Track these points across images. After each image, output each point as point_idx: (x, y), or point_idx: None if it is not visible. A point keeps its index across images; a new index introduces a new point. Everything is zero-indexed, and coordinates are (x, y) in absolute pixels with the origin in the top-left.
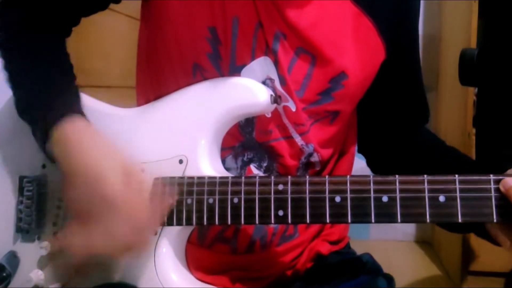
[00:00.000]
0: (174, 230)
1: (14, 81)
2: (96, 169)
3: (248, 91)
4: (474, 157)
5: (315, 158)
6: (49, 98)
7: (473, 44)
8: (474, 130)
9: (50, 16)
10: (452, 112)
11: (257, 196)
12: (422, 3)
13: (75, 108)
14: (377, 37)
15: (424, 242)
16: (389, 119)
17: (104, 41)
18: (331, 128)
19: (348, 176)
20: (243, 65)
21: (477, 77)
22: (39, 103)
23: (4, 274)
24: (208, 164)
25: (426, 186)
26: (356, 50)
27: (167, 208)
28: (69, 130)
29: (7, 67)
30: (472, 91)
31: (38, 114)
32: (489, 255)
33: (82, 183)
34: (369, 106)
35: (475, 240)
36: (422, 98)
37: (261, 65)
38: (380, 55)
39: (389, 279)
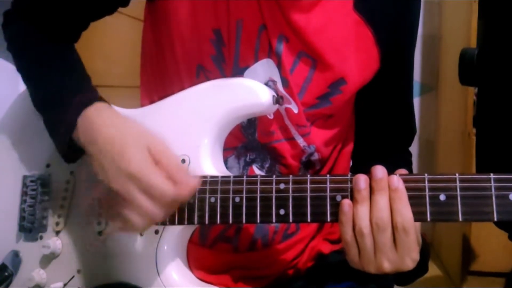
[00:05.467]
0: (175, 229)
1: (30, 81)
2: (121, 146)
3: (251, 91)
4: (474, 157)
5: (315, 157)
6: (68, 92)
7: (473, 44)
8: (474, 130)
9: (59, 22)
10: (452, 112)
11: (258, 195)
12: (422, 3)
13: (95, 95)
14: (374, 46)
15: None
16: (374, 130)
17: (107, 41)
18: (331, 129)
19: (349, 175)
20: (246, 67)
21: (477, 77)
22: (59, 98)
23: (6, 274)
24: (210, 164)
25: (426, 184)
26: (355, 57)
27: (189, 193)
28: (94, 115)
29: (21, 69)
30: (472, 91)
31: (60, 108)
32: (489, 255)
33: (110, 161)
34: (360, 112)
35: (475, 240)
36: (408, 116)
37: (264, 67)
38: (375, 64)
39: (389, 279)
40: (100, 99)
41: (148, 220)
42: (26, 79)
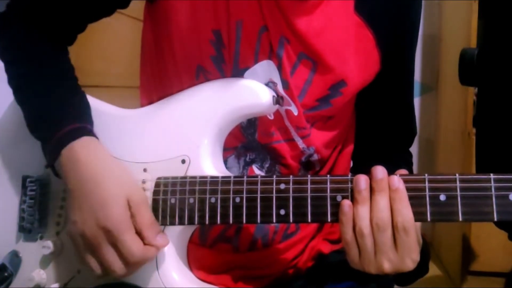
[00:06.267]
0: (176, 229)
1: (21, 99)
2: (101, 195)
3: (251, 91)
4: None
5: (314, 158)
6: (56, 117)
7: (473, 44)
8: (474, 130)
9: (57, 23)
10: (452, 112)
11: (259, 195)
12: (422, 3)
13: (84, 128)
14: (375, 48)
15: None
16: (374, 131)
17: (106, 41)
18: (331, 131)
19: (350, 175)
20: (246, 68)
21: (477, 77)
22: (47, 122)
23: (6, 274)
24: (210, 164)
25: (427, 184)
26: (356, 59)
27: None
28: (78, 151)
29: (13, 84)
30: (472, 91)
31: (46, 133)
32: (489, 255)
33: (88, 207)
34: (362, 113)
35: (475, 240)
36: (408, 117)
37: (264, 69)
38: (376, 65)
39: (389, 279)
40: (88, 131)
41: (108, 271)
42: (17, 93)
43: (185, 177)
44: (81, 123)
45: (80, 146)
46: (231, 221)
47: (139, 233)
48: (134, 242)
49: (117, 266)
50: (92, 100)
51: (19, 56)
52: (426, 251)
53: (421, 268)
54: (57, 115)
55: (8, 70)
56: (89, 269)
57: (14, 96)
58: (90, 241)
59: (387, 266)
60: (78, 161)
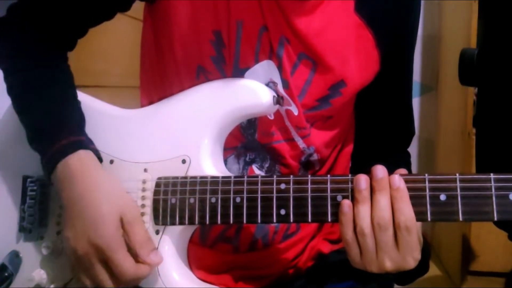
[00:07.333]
0: (176, 229)
1: (19, 110)
2: (94, 212)
3: (251, 92)
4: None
5: (314, 157)
6: (51, 131)
7: (473, 44)
8: (474, 130)
9: (57, 30)
10: (452, 112)
11: (259, 195)
12: (422, 3)
13: (80, 142)
14: (375, 48)
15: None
16: (373, 131)
17: (107, 41)
18: (331, 130)
19: (350, 175)
20: (247, 68)
21: (477, 77)
22: (42, 135)
23: (6, 274)
24: (210, 164)
25: (427, 184)
26: (356, 60)
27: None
28: (72, 167)
29: (11, 94)
30: (472, 91)
31: (42, 147)
32: (489, 255)
33: (80, 224)
34: (361, 113)
35: (475, 240)
36: (407, 117)
37: (265, 69)
38: (375, 66)
39: (389, 279)
40: (84, 145)
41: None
42: (16, 103)
43: (185, 177)
44: (76, 136)
45: (76, 160)
46: (231, 221)
47: (132, 251)
48: (125, 261)
49: (108, 284)
50: (92, 100)
51: (17, 65)
52: (427, 250)
53: (422, 267)
54: (52, 128)
55: (6, 78)
56: (82, 284)
57: (13, 107)
58: (82, 258)
59: (388, 265)
60: (72, 177)
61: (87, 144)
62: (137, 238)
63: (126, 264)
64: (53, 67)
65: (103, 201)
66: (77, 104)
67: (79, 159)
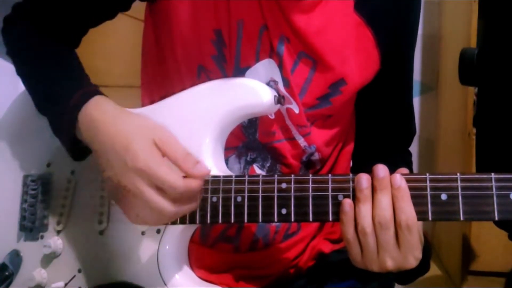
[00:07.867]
0: (177, 229)
1: (30, 82)
2: (125, 141)
3: (252, 91)
4: (474, 157)
5: (315, 157)
6: (65, 88)
7: (473, 44)
8: (474, 130)
9: (61, 28)
10: (452, 112)
11: (260, 195)
12: (422, 3)
13: (93, 90)
14: (375, 47)
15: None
16: (374, 130)
17: (108, 41)
18: (331, 129)
19: (351, 175)
20: (247, 67)
21: (477, 77)
22: (58, 96)
23: (7, 273)
24: (212, 164)
25: (428, 184)
26: (356, 58)
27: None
28: (94, 111)
29: (21, 71)
30: (472, 91)
31: (60, 106)
32: (489, 255)
33: (115, 157)
34: (361, 112)
35: (475, 240)
36: (408, 117)
37: (265, 67)
38: (375, 65)
39: (390, 278)
40: (99, 93)
41: (159, 215)
42: (26, 81)
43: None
44: (87, 87)
45: (94, 105)
46: (232, 220)
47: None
48: (171, 174)
49: (165, 204)
50: None
51: (26, 50)
52: (428, 249)
53: (423, 266)
54: (65, 85)
55: (16, 62)
56: (144, 224)
57: (23, 83)
58: (130, 189)
59: (390, 264)
60: (95, 121)
61: (100, 91)
62: (177, 155)
63: (172, 176)
64: (62, 49)
65: (130, 129)
66: (85, 73)
67: (96, 104)
